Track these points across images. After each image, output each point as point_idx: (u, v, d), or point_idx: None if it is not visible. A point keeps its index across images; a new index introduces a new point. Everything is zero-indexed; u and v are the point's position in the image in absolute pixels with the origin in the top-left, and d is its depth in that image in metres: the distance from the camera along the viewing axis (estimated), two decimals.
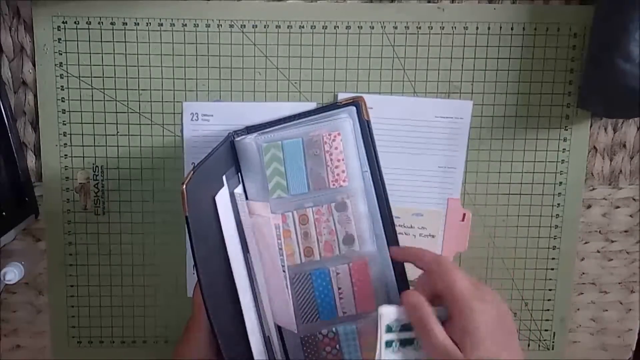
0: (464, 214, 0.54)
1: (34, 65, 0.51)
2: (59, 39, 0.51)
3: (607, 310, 0.58)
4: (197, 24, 0.51)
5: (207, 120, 0.52)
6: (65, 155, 0.53)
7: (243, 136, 0.49)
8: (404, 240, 0.53)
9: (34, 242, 0.54)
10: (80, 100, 0.52)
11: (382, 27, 0.51)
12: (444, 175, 0.54)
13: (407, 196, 0.54)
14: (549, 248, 0.56)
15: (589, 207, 0.56)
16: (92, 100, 0.52)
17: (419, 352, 0.41)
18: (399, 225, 0.54)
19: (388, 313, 0.41)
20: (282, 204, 0.48)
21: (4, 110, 0.50)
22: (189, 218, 0.37)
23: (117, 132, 0.52)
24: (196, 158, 0.53)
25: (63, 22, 0.50)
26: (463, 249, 0.55)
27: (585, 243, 0.56)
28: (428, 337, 0.39)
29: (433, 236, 0.55)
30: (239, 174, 0.49)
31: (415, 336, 0.41)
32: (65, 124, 0.52)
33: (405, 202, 0.54)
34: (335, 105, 0.49)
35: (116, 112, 0.52)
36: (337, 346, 0.49)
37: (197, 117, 0.52)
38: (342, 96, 0.52)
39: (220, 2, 0.51)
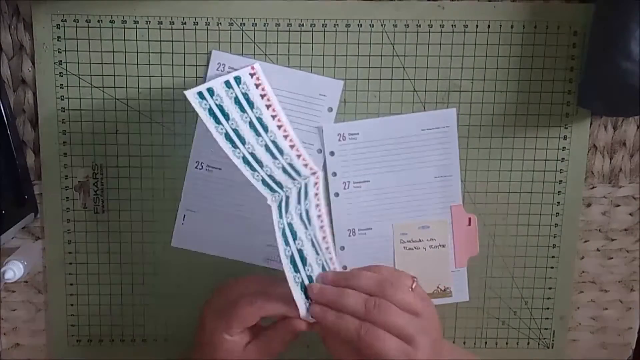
0: (470, 218, 0.54)
1: (33, 63, 0.51)
2: (59, 37, 0.51)
3: (607, 308, 0.58)
4: (197, 22, 0.51)
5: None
6: (65, 153, 0.53)
7: None
8: (415, 255, 0.54)
9: (33, 240, 0.54)
10: (80, 98, 0.52)
11: (381, 25, 0.51)
12: (442, 184, 0.54)
13: (410, 211, 0.54)
14: (548, 246, 0.56)
15: (589, 205, 0.56)
16: (92, 99, 0.52)
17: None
18: (408, 241, 0.54)
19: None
20: None
21: (4, 109, 0.50)
22: None
23: (117, 130, 0.52)
24: (203, 157, 0.53)
25: (62, 21, 0.50)
26: (475, 253, 0.55)
27: (585, 241, 0.56)
28: None
29: (443, 246, 0.55)
30: None
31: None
32: (64, 122, 0.52)
33: (409, 217, 0.54)
34: None
35: (115, 111, 0.52)
36: None
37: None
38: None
39: (220, 1, 0.51)
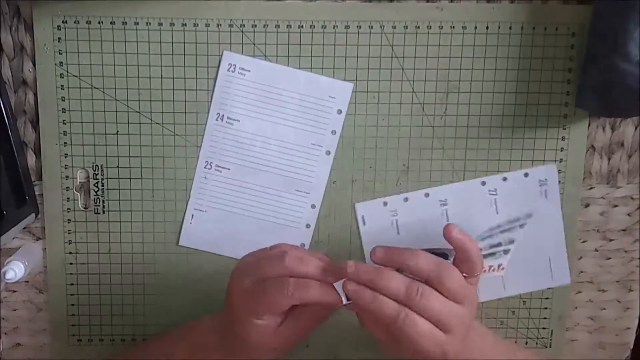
0: None
1: (34, 64, 0.51)
2: (59, 39, 0.51)
3: (605, 308, 0.58)
4: (197, 24, 0.51)
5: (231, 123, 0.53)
6: (66, 154, 0.53)
7: None
8: None
9: (34, 240, 0.54)
10: (80, 99, 0.52)
11: (380, 26, 0.52)
12: None
13: None
14: None
15: (587, 205, 0.56)
16: (92, 100, 0.52)
17: None
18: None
19: None
20: None
21: (4, 110, 0.50)
22: None
23: (117, 131, 0.53)
24: (212, 157, 0.53)
25: (63, 22, 0.51)
26: None
27: (584, 242, 0.57)
28: None
29: None
30: None
31: None
32: (65, 123, 0.52)
33: None
34: None
35: (116, 111, 0.52)
36: None
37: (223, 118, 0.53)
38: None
39: (220, 2, 0.51)
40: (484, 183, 0.54)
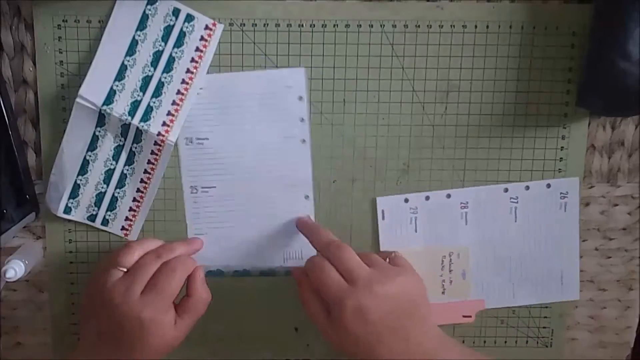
0: None
1: (34, 63, 0.51)
2: (60, 38, 0.51)
3: (605, 307, 0.58)
4: None
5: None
6: None
7: None
8: None
9: (34, 239, 0.54)
10: None
11: (381, 25, 0.52)
12: None
13: None
14: None
15: (587, 204, 0.56)
16: None
17: None
18: None
19: None
20: None
21: (5, 109, 0.50)
22: None
23: None
24: (195, 181, 0.53)
25: (63, 21, 0.51)
26: None
27: (584, 241, 0.57)
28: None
29: None
30: None
31: None
32: (65, 122, 0.52)
33: None
34: None
35: None
36: None
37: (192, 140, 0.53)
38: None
39: (220, 1, 0.51)
40: (506, 190, 0.54)
